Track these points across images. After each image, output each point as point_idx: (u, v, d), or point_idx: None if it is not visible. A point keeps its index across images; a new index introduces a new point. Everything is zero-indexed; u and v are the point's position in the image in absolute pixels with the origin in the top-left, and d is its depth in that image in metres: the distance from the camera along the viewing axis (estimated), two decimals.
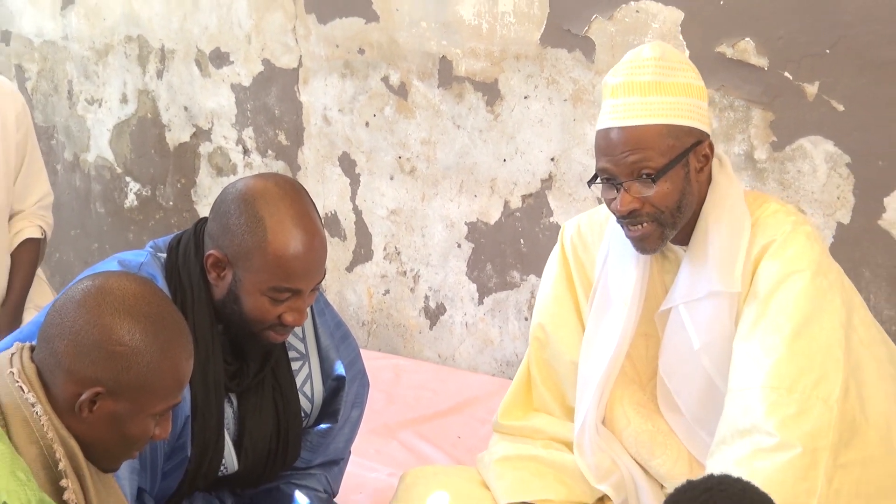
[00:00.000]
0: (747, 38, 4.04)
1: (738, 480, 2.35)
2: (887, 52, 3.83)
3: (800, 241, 3.04)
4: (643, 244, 3.05)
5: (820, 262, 3.05)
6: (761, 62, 4.04)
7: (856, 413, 2.97)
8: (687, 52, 4.12)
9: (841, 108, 3.94)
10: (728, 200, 3.08)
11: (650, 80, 2.99)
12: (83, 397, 2.44)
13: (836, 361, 2.96)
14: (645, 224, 3.00)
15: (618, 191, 2.98)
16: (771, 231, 3.05)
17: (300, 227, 3.03)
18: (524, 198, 4.51)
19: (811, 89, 3.97)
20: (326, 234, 3.18)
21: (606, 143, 3.00)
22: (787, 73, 4.00)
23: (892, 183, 3.90)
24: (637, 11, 4.19)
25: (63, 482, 2.46)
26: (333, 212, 4.85)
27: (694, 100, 3.01)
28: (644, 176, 2.95)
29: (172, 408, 2.59)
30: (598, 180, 3.04)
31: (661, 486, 3.30)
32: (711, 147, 3.07)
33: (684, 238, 3.09)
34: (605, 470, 3.28)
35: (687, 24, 4.12)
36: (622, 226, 3.05)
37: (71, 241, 5.36)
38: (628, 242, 3.07)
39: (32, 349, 2.56)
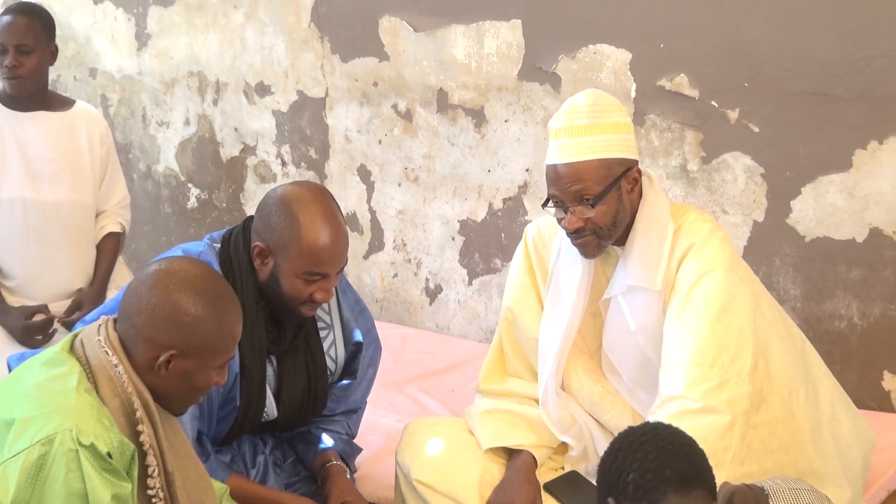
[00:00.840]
0: (682, 74, 4.06)
1: (669, 426, 2.35)
2: (792, 86, 3.86)
3: (715, 243, 3.08)
4: (585, 251, 3.11)
5: (731, 260, 3.10)
6: (693, 93, 4.06)
7: (763, 384, 3.01)
8: (634, 86, 4.14)
9: (756, 129, 3.97)
10: (655, 212, 3.10)
11: (585, 124, 3.00)
12: (161, 359, 2.49)
13: (747, 342, 3.00)
14: (587, 237, 3.05)
15: (566, 212, 3.03)
16: (692, 235, 3.08)
17: (327, 224, 3.05)
18: (504, 200, 4.53)
19: (733, 115, 4.00)
20: (348, 229, 3.21)
21: (555, 176, 3.03)
22: (713, 102, 4.03)
23: (797, 189, 3.93)
24: (595, 52, 4.21)
25: (139, 427, 2.50)
26: (353, 212, 4.86)
27: (622, 135, 3.03)
28: (585, 201, 2.99)
29: (228, 361, 2.63)
30: (550, 203, 3.07)
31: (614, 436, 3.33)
32: (639, 171, 3.09)
33: (622, 240, 3.12)
34: (567, 424, 3.30)
35: (634, 63, 4.13)
36: (570, 238, 3.09)
37: (144, 234, 5.36)
38: (575, 248, 3.12)
39: (115, 321, 2.59)
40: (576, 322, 3.25)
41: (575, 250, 3.13)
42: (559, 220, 3.08)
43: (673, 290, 3.09)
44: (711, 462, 2.65)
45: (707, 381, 2.94)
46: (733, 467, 2.85)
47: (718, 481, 2.64)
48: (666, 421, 2.72)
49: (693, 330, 3.01)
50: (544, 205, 3.12)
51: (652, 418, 2.87)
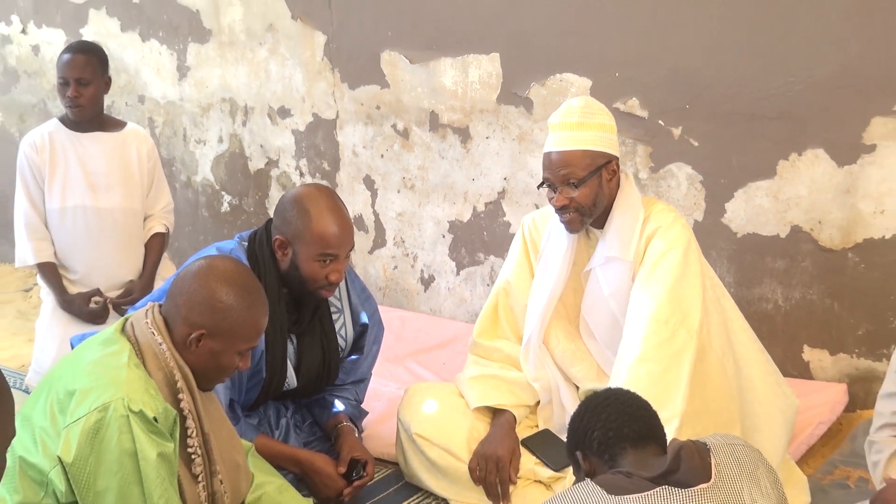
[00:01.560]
0: (634, 98, 4.06)
1: (628, 392, 2.34)
2: (726, 107, 3.88)
3: (677, 228, 3.19)
4: (570, 226, 3.20)
5: (689, 242, 3.18)
6: (643, 114, 4.06)
7: (706, 342, 3.09)
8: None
9: (696, 144, 3.98)
10: (629, 200, 3.22)
11: (576, 121, 3.11)
12: (192, 336, 2.51)
13: (696, 307, 3.08)
14: (571, 213, 3.13)
15: (555, 192, 3.12)
16: (658, 220, 3.20)
17: (333, 213, 3.09)
18: (486, 204, 4.54)
19: (676, 132, 4.01)
20: (355, 228, 3.21)
21: (548, 162, 3.14)
22: (660, 121, 4.04)
23: (730, 194, 3.95)
24: (561, 80, 4.21)
25: (180, 396, 2.52)
26: (360, 214, 4.86)
27: (606, 133, 3.13)
28: (570, 184, 3.08)
29: (251, 349, 2.63)
30: (544, 185, 3.17)
31: (577, 388, 3.37)
32: (617, 164, 3.19)
33: (601, 224, 3.21)
34: (539, 374, 3.37)
35: (594, 88, 4.13)
36: (558, 214, 3.17)
37: (185, 234, 5.35)
38: (562, 226, 3.19)
39: (160, 306, 2.61)
40: (560, 286, 3.33)
41: (562, 230, 3.23)
42: (549, 199, 3.18)
43: (641, 262, 3.18)
44: (664, 398, 2.79)
45: (661, 334, 3.05)
46: (682, 404, 2.93)
47: (670, 417, 2.66)
48: (625, 371, 2.96)
49: (654, 294, 3.10)
50: (540, 186, 3.23)
51: (615, 371, 3.02)
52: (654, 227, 3.19)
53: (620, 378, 2.97)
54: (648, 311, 3.09)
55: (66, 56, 4.26)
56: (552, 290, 3.32)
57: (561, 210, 3.14)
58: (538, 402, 3.42)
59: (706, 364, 3.06)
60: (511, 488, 3.23)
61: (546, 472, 3.22)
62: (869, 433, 2.73)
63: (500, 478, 3.19)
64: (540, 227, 3.39)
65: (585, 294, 3.33)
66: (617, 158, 3.19)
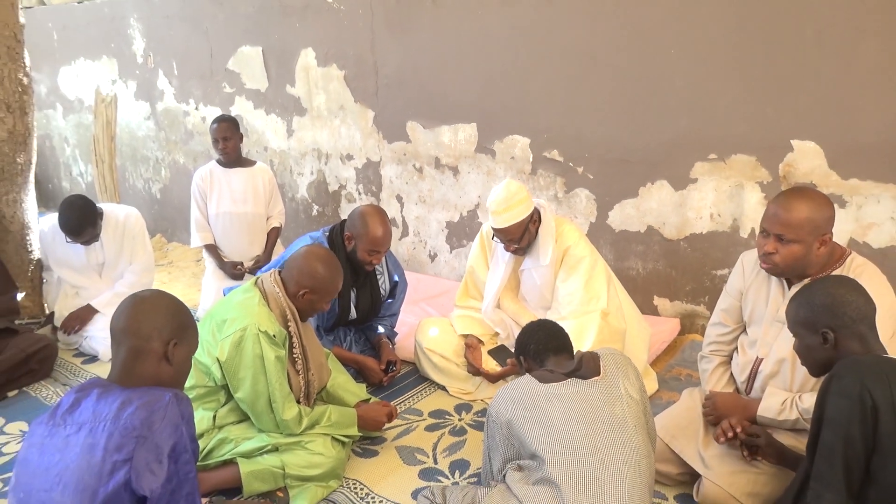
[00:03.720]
0: (555, 149, 4.02)
1: (552, 321, 2.34)
2: (609, 156, 3.84)
3: (582, 244, 3.08)
4: (514, 254, 3.11)
5: (592, 251, 3.10)
6: (561, 159, 4.02)
7: (612, 308, 3.01)
8: (531, 155, 4.08)
9: (591, 177, 3.95)
10: (547, 229, 3.07)
11: (504, 207, 2.93)
12: (300, 293, 2.51)
13: (604, 293, 3.00)
14: (514, 248, 3.04)
15: (504, 243, 3.03)
16: (567, 240, 3.07)
17: (381, 224, 3.06)
18: (468, 212, 4.52)
19: (580, 169, 3.97)
20: (391, 227, 3.20)
21: (496, 231, 3.01)
22: (570, 163, 4.00)
23: (611, 206, 3.91)
24: (511, 138, 4.16)
25: (289, 323, 2.54)
26: (394, 218, 4.83)
27: (525, 205, 2.95)
28: (512, 240, 3.00)
29: (331, 300, 2.63)
30: (494, 238, 3.07)
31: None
32: (538, 214, 3.05)
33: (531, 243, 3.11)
34: (497, 322, 3.32)
35: (532, 144, 4.08)
36: (506, 249, 3.08)
37: (291, 228, 5.32)
38: None
39: (279, 271, 2.61)
40: (505, 278, 3.24)
41: None
42: (501, 244, 3.06)
43: (561, 266, 3.06)
44: (578, 343, 2.76)
45: (580, 313, 2.97)
46: (594, 345, 2.88)
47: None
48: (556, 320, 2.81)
49: (574, 287, 3.00)
50: (492, 238, 3.12)
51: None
52: (566, 244, 3.04)
53: None
54: (570, 301, 3.00)
55: (216, 125, 4.28)
56: (500, 280, 3.23)
57: (510, 250, 3.07)
58: (496, 333, 3.37)
59: (611, 319, 3.00)
60: (479, 381, 3.23)
61: (498, 366, 3.22)
62: (700, 349, 2.57)
63: (473, 357, 3.21)
64: (492, 234, 3.22)
65: (522, 282, 3.22)
66: (536, 211, 3.02)
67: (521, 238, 3.00)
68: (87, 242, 3.73)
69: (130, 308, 1.69)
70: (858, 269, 2.10)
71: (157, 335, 1.68)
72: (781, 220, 2.05)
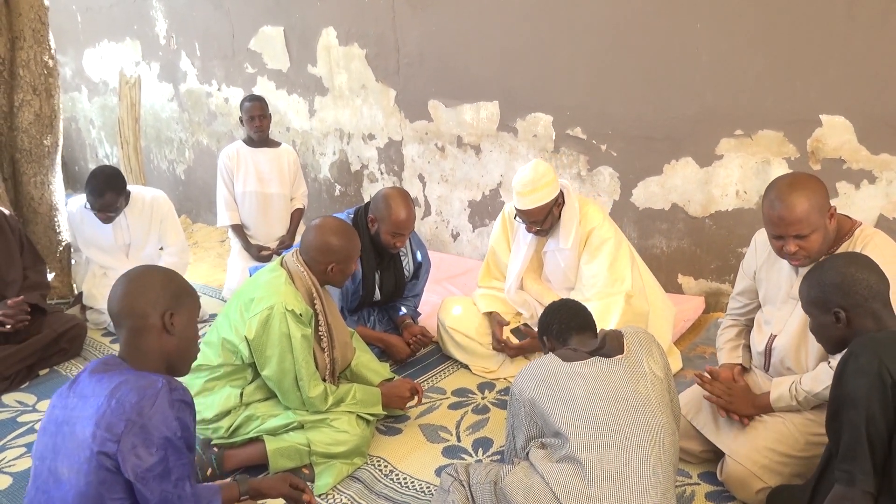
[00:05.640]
0: (578, 127, 4.01)
1: (575, 301, 2.32)
2: (633, 133, 3.82)
3: (606, 225, 3.06)
4: (538, 235, 3.09)
5: (616, 232, 3.08)
6: (584, 137, 4.00)
7: (636, 289, 3.01)
8: (554, 133, 4.06)
9: (615, 154, 3.93)
10: (570, 211, 3.04)
11: (530, 189, 2.91)
12: (328, 268, 2.52)
13: (628, 275, 2.99)
14: (537, 230, 3.03)
15: (527, 225, 3.03)
16: (591, 222, 3.05)
17: (404, 207, 3.05)
18: (490, 191, 4.52)
19: (603, 147, 3.95)
20: (415, 208, 3.20)
21: (520, 212, 3.00)
22: (594, 141, 3.98)
23: (635, 184, 3.90)
24: (534, 116, 4.15)
25: (315, 302, 2.55)
26: (416, 197, 4.83)
27: (550, 188, 2.93)
28: (535, 222, 2.99)
29: (358, 258, 2.63)
30: (518, 219, 3.06)
31: None
32: (563, 196, 3.03)
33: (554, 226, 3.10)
34: (520, 303, 3.31)
35: (555, 121, 4.07)
36: (528, 231, 3.07)
37: (314, 209, 5.33)
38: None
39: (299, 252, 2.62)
40: (527, 259, 3.23)
41: None
42: (526, 227, 3.06)
43: (585, 248, 3.05)
44: (605, 321, 2.75)
45: (606, 294, 2.97)
46: (618, 327, 2.86)
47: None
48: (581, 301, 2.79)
49: (598, 268, 3.00)
50: (514, 217, 3.10)
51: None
52: (590, 226, 3.02)
53: None
54: (596, 282, 2.99)
55: (249, 103, 4.31)
56: (522, 261, 3.22)
57: (532, 231, 3.06)
58: (519, 312, 3.36)
59: (635, 301, 3.00)
60: (502, 359, 3.25)
61: (517, 341, 3.24)
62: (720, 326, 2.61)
63: (496, 335, 3.23)
64: (514, 214, 3.23)
65: (545, 263, 3.21)
66: (561, 194, 3.00)
67: (544, 220, 2.99)
68: (105, 210, 3.69)
69: (122, 289, 1.71)
70: (867, 239, 2.10)
71: (153, 310, 1.69)
72: (791, 222, 2.05)
